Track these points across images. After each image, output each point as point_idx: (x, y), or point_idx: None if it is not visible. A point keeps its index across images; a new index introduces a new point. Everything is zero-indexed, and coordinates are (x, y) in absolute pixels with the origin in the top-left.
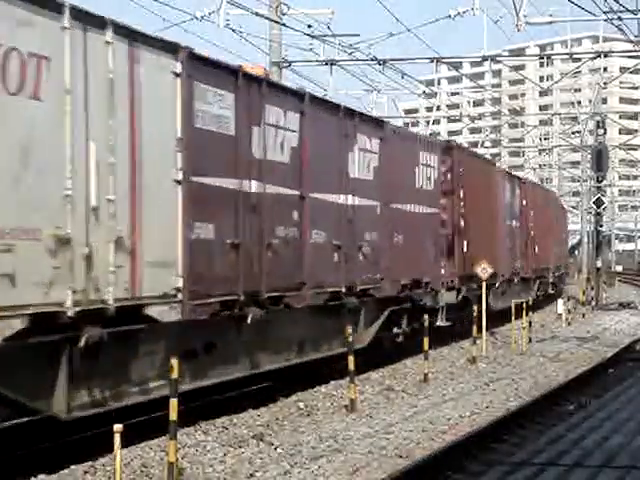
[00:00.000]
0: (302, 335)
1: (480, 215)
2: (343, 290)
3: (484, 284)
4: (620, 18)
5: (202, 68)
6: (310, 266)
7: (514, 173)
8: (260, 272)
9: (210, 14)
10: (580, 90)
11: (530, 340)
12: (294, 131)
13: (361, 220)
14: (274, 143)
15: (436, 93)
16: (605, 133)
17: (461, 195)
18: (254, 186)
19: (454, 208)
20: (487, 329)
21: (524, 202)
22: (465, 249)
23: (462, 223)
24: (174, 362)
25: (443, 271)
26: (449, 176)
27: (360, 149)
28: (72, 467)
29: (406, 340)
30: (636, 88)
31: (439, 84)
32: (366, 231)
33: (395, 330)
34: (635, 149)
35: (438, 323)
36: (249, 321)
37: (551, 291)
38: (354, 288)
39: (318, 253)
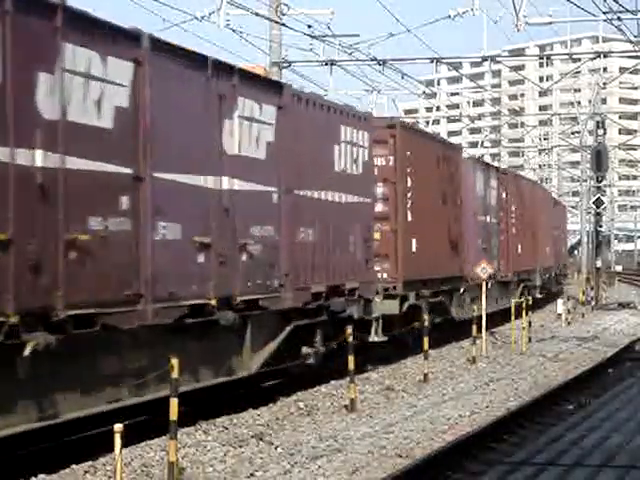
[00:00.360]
0: (143, 366)
1: (437, 208)
2: (213, 303)
3: (484, 284)
4: (620, 18)
5: None
6: (154, 271)
7: (486, 161)
8: (54, 282)
9: (210, 14)
10: (580, 90)
11: (530, 340)
12: (123, 85)
13: (246, 210)
14: (83, 100)
15: (436, 93)
16: (605, 133)
17: (409, 183)
18: (40, 158)
19: (398, 199)
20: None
21: (503, 195)
22: (414, 248)
23: (410, 217)
24: (174, 362)
25: (380, 275)
26: (392, 160)
27: (243, 117)
28: (72, 467)
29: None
30: (636, 88)
31: (439, 84)
32: (254, 225)
33: (305, 350)
34: (635, 149)
35: (371, 338)
36: (27, 352)
37: (539, 295)
38: (232, 299)
39: (169, 254)
